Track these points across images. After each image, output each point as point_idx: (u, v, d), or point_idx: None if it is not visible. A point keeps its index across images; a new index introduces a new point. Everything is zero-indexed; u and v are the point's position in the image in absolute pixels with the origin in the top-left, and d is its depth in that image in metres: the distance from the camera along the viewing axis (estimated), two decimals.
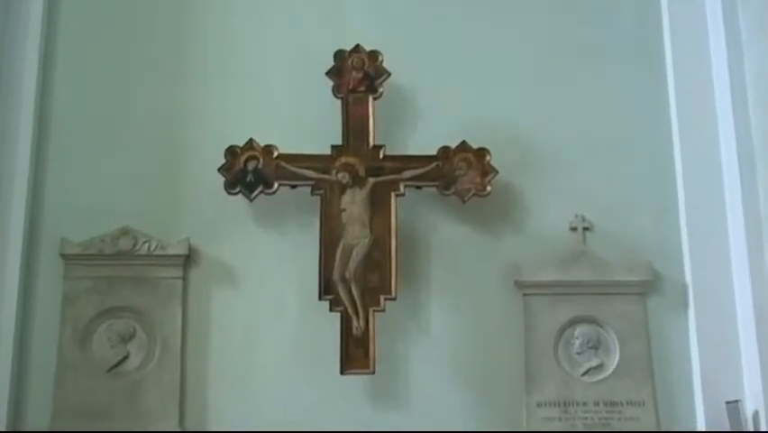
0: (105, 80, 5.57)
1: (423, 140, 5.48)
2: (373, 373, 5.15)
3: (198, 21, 5.65)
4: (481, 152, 5.39)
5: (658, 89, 5.67)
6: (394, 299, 5.22)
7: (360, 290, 5.19)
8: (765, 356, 5.13)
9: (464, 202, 5.37)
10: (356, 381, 5.21)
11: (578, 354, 5.34)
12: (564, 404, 5.23)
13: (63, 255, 5.30)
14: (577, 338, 5.35)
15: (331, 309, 5.20)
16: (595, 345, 5.35)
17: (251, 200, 5.33)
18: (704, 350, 5.31)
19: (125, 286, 5.27)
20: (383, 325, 5.24)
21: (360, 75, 5.41)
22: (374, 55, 5.44)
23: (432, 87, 5.61)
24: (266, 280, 5.40)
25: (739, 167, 5.34)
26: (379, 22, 5.66)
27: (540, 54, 5.70)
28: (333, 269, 5.19)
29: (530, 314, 5.35)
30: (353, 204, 5.26)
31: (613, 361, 5.33)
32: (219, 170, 5.33)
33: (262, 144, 5.35)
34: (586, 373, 5.33)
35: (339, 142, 5.39)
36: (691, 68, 5.62)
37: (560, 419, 5.21)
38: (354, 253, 5.21)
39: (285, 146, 5.35)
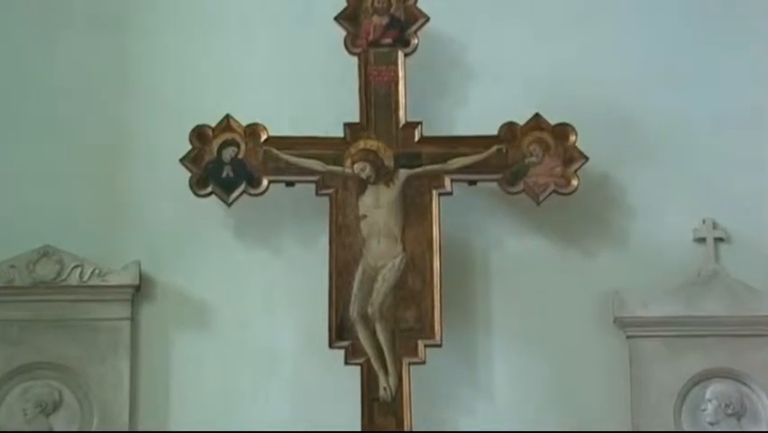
0: (13, 35, 4.90)
1: (477, 113, 4.84)
2: None
3: None
4: (563, 130, 4.69)
5: None
6: (439, 345, 4.56)
7: (389, 334, 4.56)
8: None
9: (539, 203, 4.68)
10: None
11: (711, 424, 4.65)
12: None
13: None
14: (710, 401, 4.66)
15: (347, 362, 4.55)
16: (737, 412, 4.65)
17: (229, 205, 4.66)
18: None
19: (47, 332, 4.67)
20: (423, 383, 4.60)
21: (384, 21, 4.74)
22: None
23: (488, 37, 4.95)
24: (252, 320, 4.77)
25: None
26: None
27: None
28: (350, 303, 4.57)
29: (639, 365, 4.68)
30: (378, 208, 4.63)
31: None
32: (182, 160, 4.65)
33: (244, 123, 4.69)
34: None
35: (355, 118, 4.71)
36: None
37: None
38: (380, 279, 4.59)
39: (277, 126, 4.70)
